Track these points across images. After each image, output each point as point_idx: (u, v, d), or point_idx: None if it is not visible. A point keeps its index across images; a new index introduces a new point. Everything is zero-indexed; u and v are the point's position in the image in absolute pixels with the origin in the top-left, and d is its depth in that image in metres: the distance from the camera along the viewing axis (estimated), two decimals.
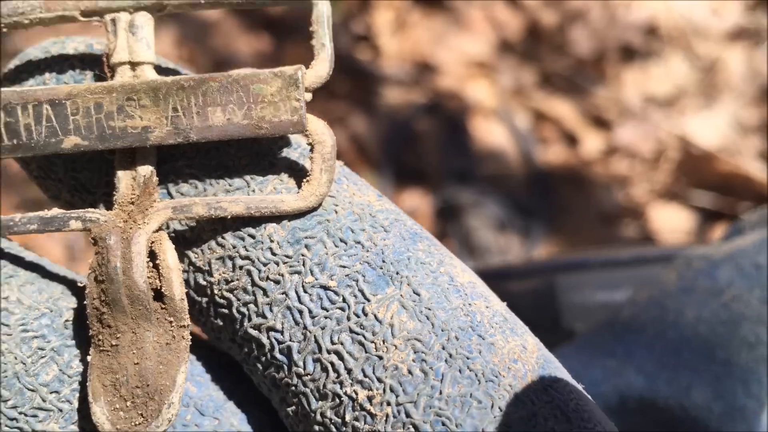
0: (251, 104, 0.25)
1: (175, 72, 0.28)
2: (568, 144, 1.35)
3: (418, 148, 1.32)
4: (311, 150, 0.26)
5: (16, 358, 0.26)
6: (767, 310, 0.44)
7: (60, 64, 0.28)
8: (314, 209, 0.26)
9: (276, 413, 0.27)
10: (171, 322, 0.26)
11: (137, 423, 0.25)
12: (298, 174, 0.27)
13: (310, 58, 0.26)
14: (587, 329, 0.51)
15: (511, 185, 1.32)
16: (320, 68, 0.26)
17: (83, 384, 0.26)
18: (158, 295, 0.26)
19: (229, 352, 0.28)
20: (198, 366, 0.28)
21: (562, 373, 0.26)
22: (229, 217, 0.26)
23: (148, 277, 0.25)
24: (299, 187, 0.26)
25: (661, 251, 0.56)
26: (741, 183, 1.29)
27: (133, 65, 0.26)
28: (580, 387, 0.26)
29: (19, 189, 1.12)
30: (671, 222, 1.29)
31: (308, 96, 0.26)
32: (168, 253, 0.26)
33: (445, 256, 0.27)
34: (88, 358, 0.26)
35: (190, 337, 0.26)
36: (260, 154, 0.27)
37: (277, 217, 0.26)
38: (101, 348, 0.26)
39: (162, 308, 0.26)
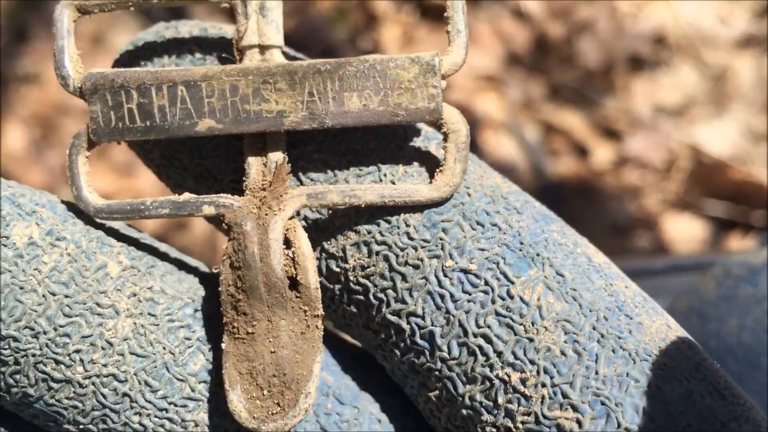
0: (387, 90, 0.25)
1: (300, 58, 0.27)
2: (578, 155, 1.35)
3: None
4: (445, 139, 0.26)
5: (164, 348, 0.26)
6: None
7: (177, 47, 0.27)
8: (447, 200, 0.26)
9: (407, 401, 0.27)
10: (305, 311, 0.25)
11: (274, 412, 0.25)
12: (426, 159, 0.26)
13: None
14: None
15: None
16: (456, 55, 0.26)
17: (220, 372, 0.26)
18: (292, 284, 0.25)
19: (359, 340, 0.27)
20: (330, 356, 0.28)
21: (705, 353, 0.26)
22: (363, 205, 0.25)
23: (284, 266, 0.25)
24: (427, 172, 0.26)
25: (695, 259, 0.56)
26: (754, 191, 1.28)
27: (263, 48, 0.26)
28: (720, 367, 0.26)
29: None
30: (685, 232, 1.28)
31: (444, 83, 0.25)
32: (303, 240, 0.25)
33: (578, 236, 0.27)
34: (222, 345, 0.25)
35: (322, 326, 0.26)
36: (387, 138, 0.26)
37: (410, 208, 0.25)
38: (236, 335, 0.25)
39: (297, 297, 0.25)
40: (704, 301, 0.46)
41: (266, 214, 0.25)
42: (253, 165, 0.26)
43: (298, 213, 0.26)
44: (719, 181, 1.30)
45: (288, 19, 1.42)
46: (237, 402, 0.25)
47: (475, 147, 1.32)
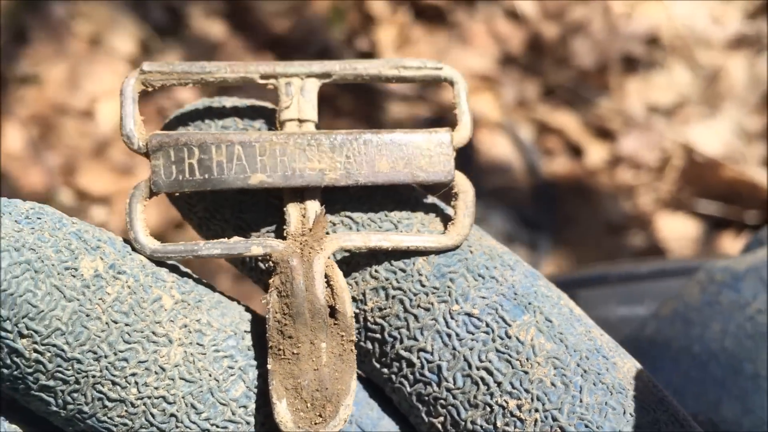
0: (411, 156, 0.30)
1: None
2: (572, 155, 1.35)
3: None
4: (455, 198, 0.31)
5: (210, 375, 0.28)
6: None
7: (220, 117, 0.32)
8: (457, 247, 0.30)
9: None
10: (342, 336, 0.29)
11: (317, 422, 0.28)
12: (435, 217, 0.31)
13: None
14: None
15: (516, 198, 1.32)
16: (464, 132, 0.31)
17: (263, 396, 0.29)
18: (331, 313, 0.29)
19: (370, 375, 0.31)
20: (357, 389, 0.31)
21: (664, 390, 0.30)
22: (389, 248, 0.30)
23: (325, 296, 0.29)
24: (437, 228, 0.31)
25: (681, 264, 0.56)
26: (747, 190, 1.29)
27: (301, 122, 0.31)
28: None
29: None
30: (678, 231, 1.29)
31: (454, 154, 0.31)
32: (339, 276, 0.29)
33: (560, 292, 0.31)
34: (268, 366, 0.29)
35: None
36: (402, 201, 0.31)
37: (427, 252, 0.30)
38: (281, 357, 0.29)
39: (335, 324, 0.29)
40: (688, 306, 0.46)
41: (309, 253, 0.29)
42: (293, 214, 0.30)
43: (333, 255, 0.30)
44: (712, 180, 1.31)
45: (285, 19, 1.42)
46: (284, 413, 0.28)
47: (471, 147, 1.33)
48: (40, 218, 0.27)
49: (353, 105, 1.34)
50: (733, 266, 0.47)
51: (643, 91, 1.38)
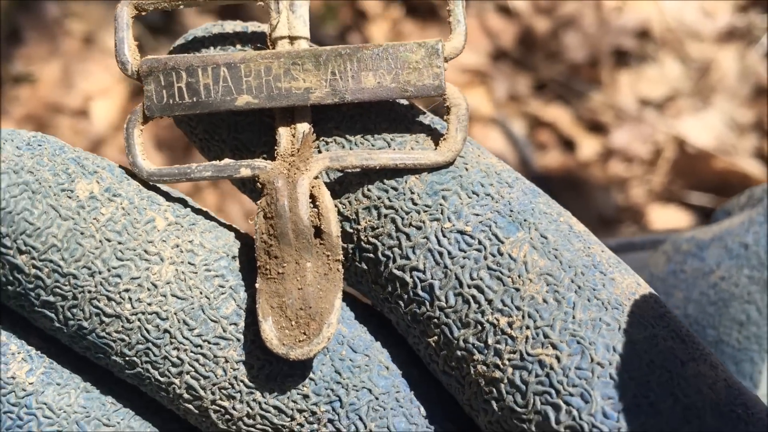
0: (398, 70, 0.29)
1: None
2: (565, 149, 1.36)
3: None
4: (447, 112, 0.30)
5: (201, 293, 0.30)
6: (756, 289, 0.44)
7: (222, 41, 0.32)
8: (450, 164, 0.30)
9: (412, 354, 0.31)
10: (328, 255, 0.29)
11: (301, 340, 0.29)
12: (430, 136, 0.31)
13: None
14: None
15: None
16: (457, 41, 0.30)
17: (253, 314, 0.30)
18: (317, 233, 0.29)
19: (368, 296, 0.31)
20: (347, 311, 0.32)
21: (670, 308, 0.30)
22: (377, 167, 0.29)
23: (310, 216, 0.29)
24: (431, 146, 0.30)
25: (649, 237, 0.57)
26: (739, 181, 1.29)
27: (292, 39, 0.31)
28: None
29: None
30: (671, 222, 1.29)
31: (446, 65, 0.30)
32: (326, 196, 0.30)
33: (562, 209, 0.31)
34: (256, 285, 0.29)
35: (343, 270, 0.30)
36: (397, 119, 0.31)
37: (418, 170, 0.30)
38: (268, 276, 0.29)
39: (321, 243, 0.29)
40: (654, 276, 0.47)
41: (295, 174, 0.29)
42: (283, 135, 0.30)
43: (322, 174, 0.30)
44: (704, 172, 1.31)
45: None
46: (269, 331, 0.29)
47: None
48: (41, 145, 0.29)
49: None
50: (698, 236, 0.48)
51: (635, 85, 1.39)
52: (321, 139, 0.31)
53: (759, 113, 1.34)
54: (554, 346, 0.27)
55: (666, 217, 1.29)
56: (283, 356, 0.29)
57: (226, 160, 0.30)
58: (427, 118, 0.31)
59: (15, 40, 1.36)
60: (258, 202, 0.30)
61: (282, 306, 0.29)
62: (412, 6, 1.43)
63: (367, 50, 0.29)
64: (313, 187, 0.29)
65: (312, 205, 0.29)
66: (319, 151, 0.31)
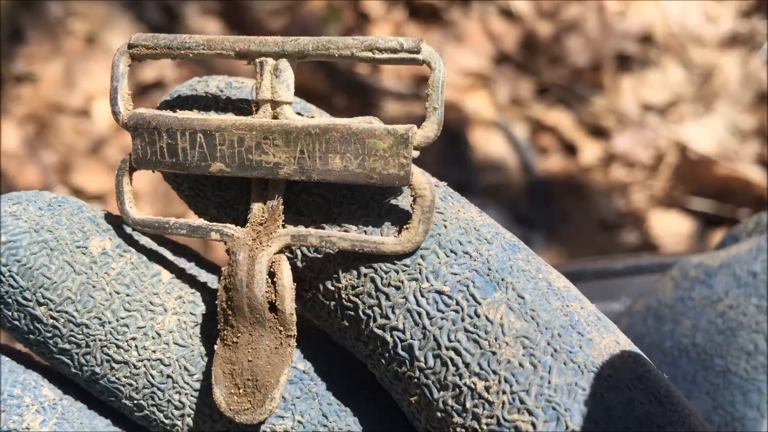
0: (365, 156, 0.29)
1: (308, 110, 0.33)
2: (566, 153, 1.36)
3: (418, 159, 1.32)
4: (414, 201, 0.29)
5: (200, 341, 0.32)
6: (765, 319, 0.44)
7: (205, 100, 0.33)
8: (409, 255, 0.29)
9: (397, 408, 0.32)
10: (281, 331, 0.30)
11: (246, 408, 0.30)
12: (394, 221, 0.30)
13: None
14: None
15: (511, 195, 1.32)
16: (429, 129, 0.29)
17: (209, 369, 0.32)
18: (273, 308, 0.30)
19: (353, 351, 0.32)
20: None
21: (651, 365, 0.29)
22: (335, 251, 0.30)
23: (267, 292, 0.30)
24: (399, 228, 0.30)
25: (657, 260, 0.57)
26: (740, 187, 1.29)
27: (274, 104, 0.31)
28: (666, 378, 0.29)
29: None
30: (672, 228, 1.29)
31: (415, 153, 0.29)
32: (284, 273, 0.30)
33: (541, 264, 0.30)
34: (215, 347, 0.31)
35: (296, 344, 0.31)
36: (364, 198, 0.31)
37: (376, 256, 0.30)
38: (225, 342, 0.31)
39: (275, 318, 0.30)
40: (661, 302, 0.47)
41: (257, 248, 0.30)
42: (256, 203, 0.31)
43: (286, 249, 0.31)
44: (705, 178, 1.31)
45: (280, 18, 1.43)
46: (219, 395, 0.31)
47: (465, 145, 1.34)
48: (60, 206, 0.32)
49: (347, 103, 1.35)
50: (706, 262, 0.48)
51: (637, 90, 1.38)
52: (295, 205, 0.31)
53: (761, 119, 1.34)
54: (530, 412, 0.27)
55: (667, 223, 1.29)
56: (231, 419, 0.30)
57: (199, 221, 0.32)
58: (395, 200, 0.31)
59: (17, 39, 1.36)
60: (223, 268, 0.31)
61: (233, 373, 0.30)
62: (415, 8, 1.43)
63: (336, 132, 0.29)
64: (273, 263, 0.30)
65: (270, 281, 0.30)
66: (284, 226, 0.31)
